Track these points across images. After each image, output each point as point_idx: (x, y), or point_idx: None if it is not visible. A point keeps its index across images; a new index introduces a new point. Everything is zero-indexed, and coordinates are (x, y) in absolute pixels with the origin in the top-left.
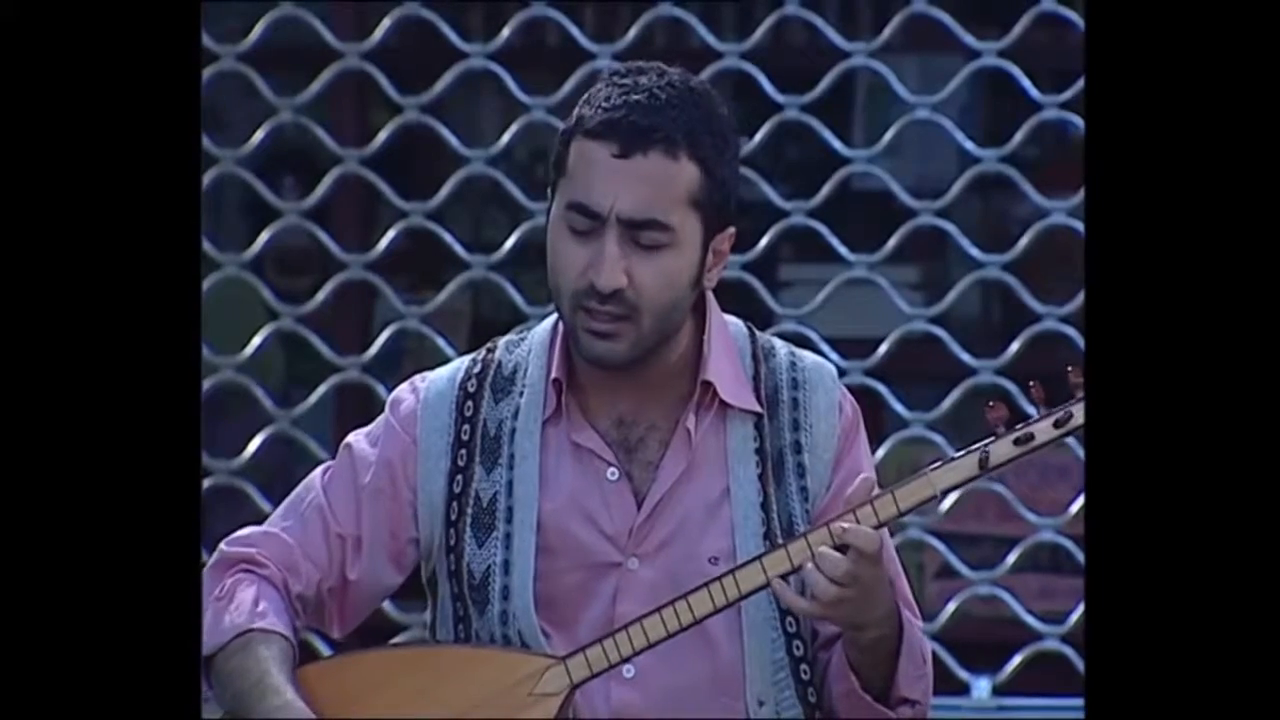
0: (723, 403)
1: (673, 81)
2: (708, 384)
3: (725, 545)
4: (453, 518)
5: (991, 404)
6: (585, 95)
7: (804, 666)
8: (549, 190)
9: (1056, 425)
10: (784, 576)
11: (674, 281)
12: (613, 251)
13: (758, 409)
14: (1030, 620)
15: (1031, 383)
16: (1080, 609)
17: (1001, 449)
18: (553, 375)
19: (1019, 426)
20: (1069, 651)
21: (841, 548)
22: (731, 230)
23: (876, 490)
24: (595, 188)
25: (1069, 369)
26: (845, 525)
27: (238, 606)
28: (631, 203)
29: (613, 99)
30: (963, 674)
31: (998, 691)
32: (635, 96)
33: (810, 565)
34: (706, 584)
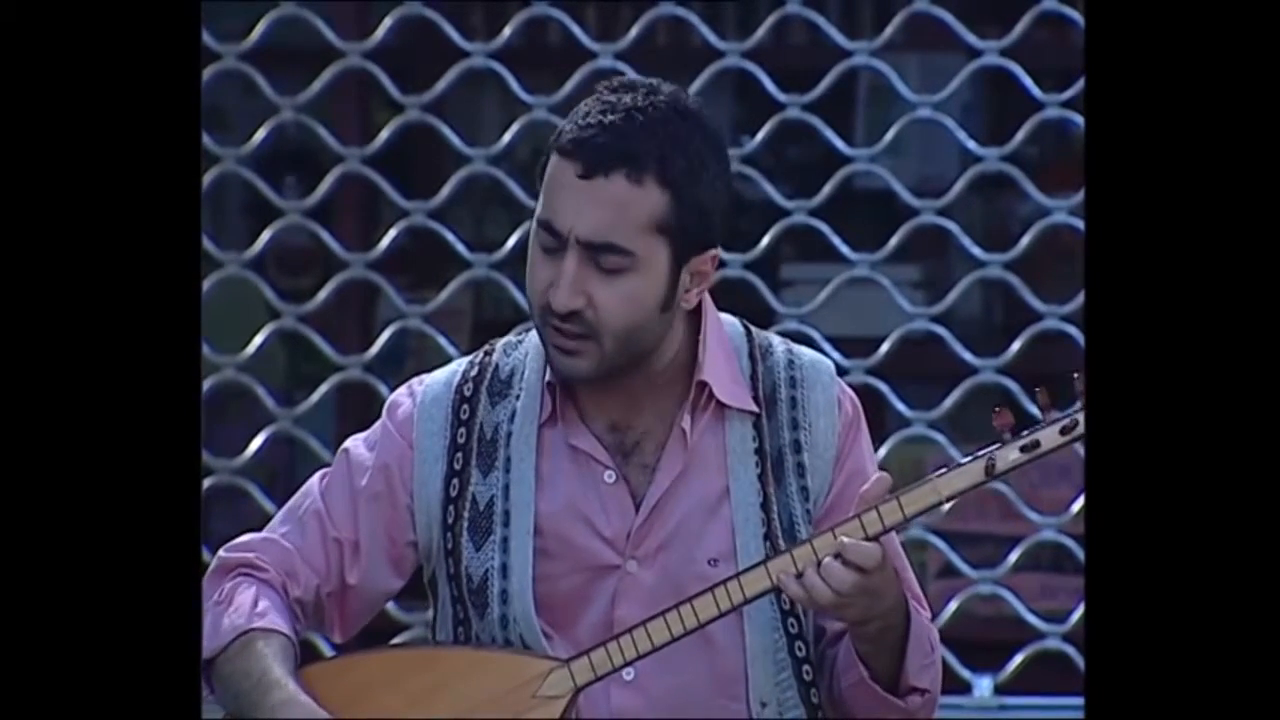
0: (720, 403)
1: (656, 102)
2: (703, 384)
3: (725, 547)
4: (450, 521)
5: (998, 410)
6: (576, 107)
7: (807, 667)
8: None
9: (1063, 432)
10: None
11: (637, 305)
12: (570, 272)
13: (754, 409)
14: (1032, 619)
15: (1037, 388)
16: (1082, 608)
17: (1008, 455)
18: (548, 379)
19: (1026, 433)
20: (1071, 650)
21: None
22: (714, 252)
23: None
24: (558, 208)
25: (1075, 375)
26: (846, 540)
27: (237, 608)
28: (589, 226)
29: (590, 117)
30: (964, 673)
31: (999, 690)
32: (612, 116)
33: (813, 575)
34: (711, 588)
